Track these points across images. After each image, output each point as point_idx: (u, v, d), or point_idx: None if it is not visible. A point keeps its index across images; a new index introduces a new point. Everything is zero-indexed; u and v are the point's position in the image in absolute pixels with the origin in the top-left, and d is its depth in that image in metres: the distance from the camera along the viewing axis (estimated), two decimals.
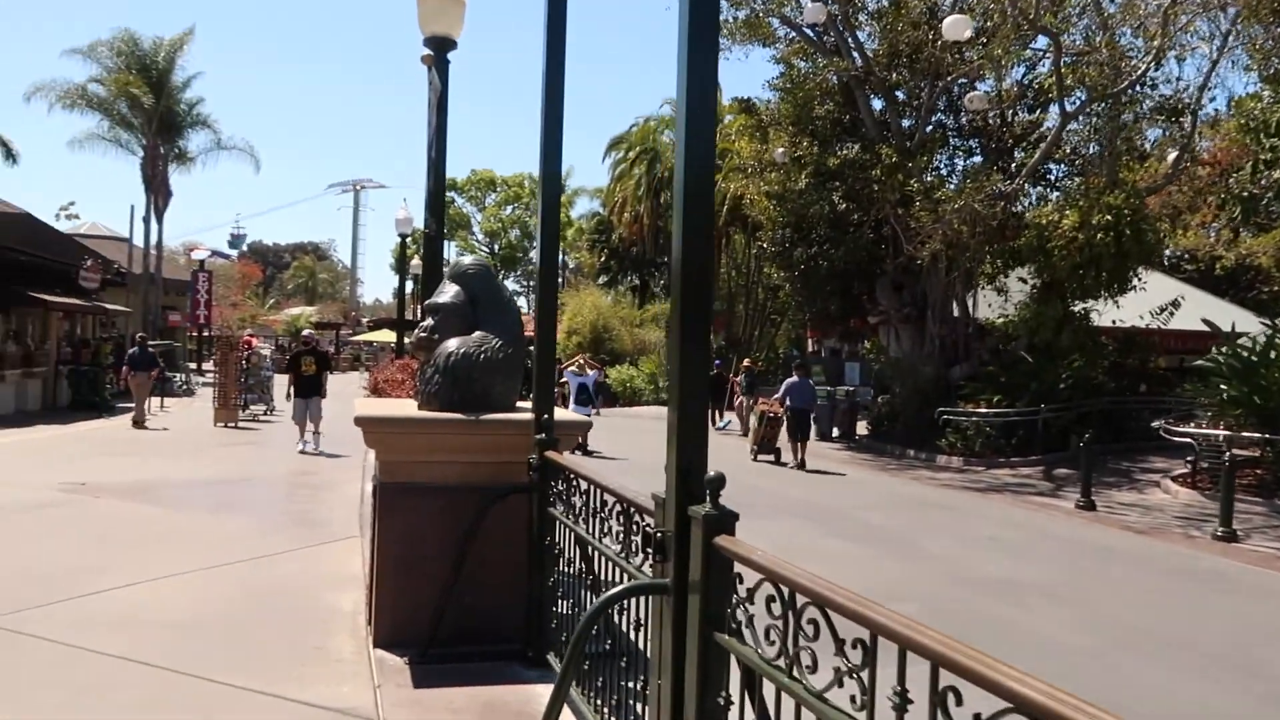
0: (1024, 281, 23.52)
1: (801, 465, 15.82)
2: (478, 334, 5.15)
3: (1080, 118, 18.60)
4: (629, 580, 3.34)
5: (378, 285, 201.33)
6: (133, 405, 20.13)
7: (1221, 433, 14.19)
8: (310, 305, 77.42)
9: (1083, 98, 19.04)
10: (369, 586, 5.43)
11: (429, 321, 5.25)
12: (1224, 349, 15.13)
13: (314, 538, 7.69)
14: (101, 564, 6.50)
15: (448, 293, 5.31)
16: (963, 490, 13.83)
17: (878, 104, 21.11)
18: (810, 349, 37.83)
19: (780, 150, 21.62)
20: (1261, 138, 17.49)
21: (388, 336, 35.42)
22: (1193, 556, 9.33)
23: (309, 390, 14.59)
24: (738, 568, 2.56)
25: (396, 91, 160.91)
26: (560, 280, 57.92)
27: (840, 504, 11.70)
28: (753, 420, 19.17)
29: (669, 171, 36.19)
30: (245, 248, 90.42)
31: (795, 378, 17.40)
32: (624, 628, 3.39)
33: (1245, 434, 13.99)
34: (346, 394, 34.66)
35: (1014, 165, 20.38)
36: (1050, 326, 19.88)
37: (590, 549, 3.93)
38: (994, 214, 17.14)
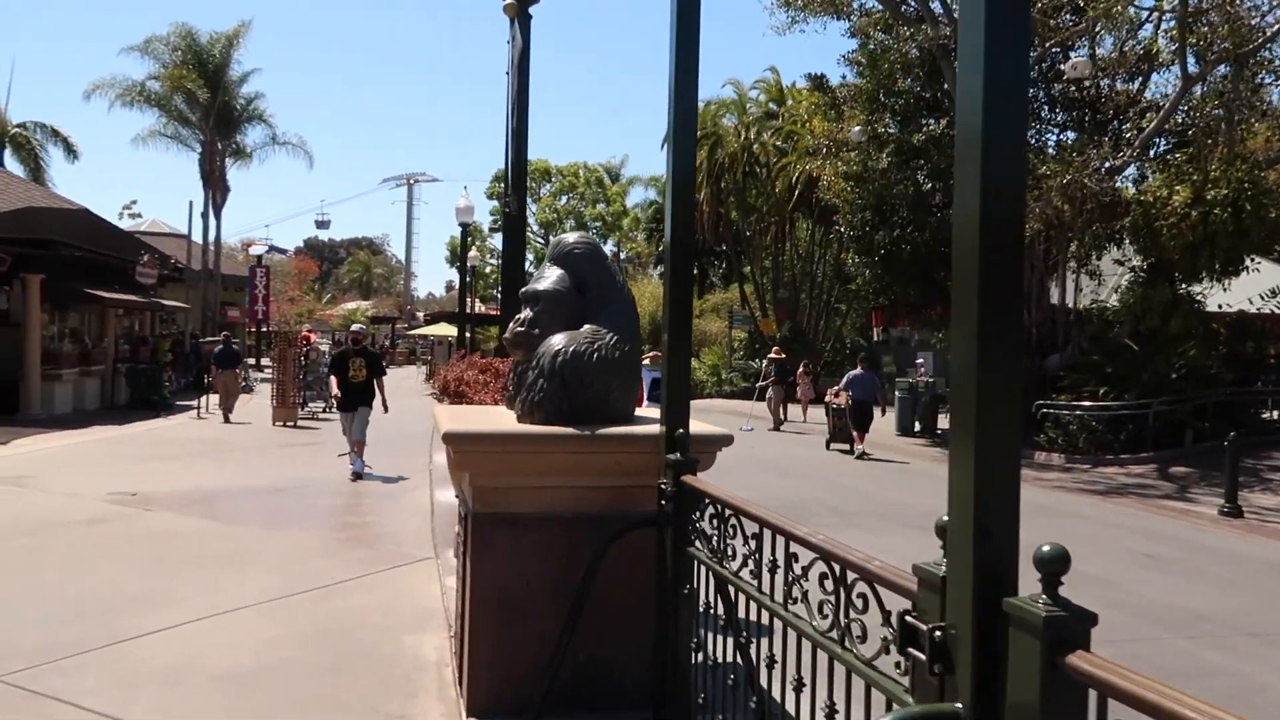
0: (1120, 264, 21.98)
1: (861, 455, 16.25)
2: (588, 328, 4.17)
3: (1201, 83, 17.01)
4: (847, 672, 2.34)
5: (432, 279, 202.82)
6: (193, 404, 19.68)
7: None
8: (365, 300, 77.61)
9: (1201, 61, 17.52)
10: (457, 635, 4.50)
11: (527, 313, 4.29)
12: None
13: (384, 559, 6.80)
14: (147, 595, 5.67)
15: (549, 278, 4.34)
16: (1079, 493, 12.58)
17: None
18: (876, 338, 36.48)
19: (857, 129, 20.38)
20: None
21: (445, 330, 34.81)
22: None
23: (356, 399, 11.42)
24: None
25: (451, 84, 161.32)
26: (620, 270, 57.17)
27: (932, 506, 10.52)
28: (783, 410, 22.17)
29: (730, 157, 35.01)
30: (302, 243, 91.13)
31: (859, 369, 17.64)
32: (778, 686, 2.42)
33: None
34: (404, 388, 34.16)
35: (1111, 139, 18.89)
36: (1158, 312, 18.41)
37: (762, 610, 2.93)
38: (1105, 190, 15.74)
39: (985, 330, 1.82)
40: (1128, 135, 18.14)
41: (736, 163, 34.35)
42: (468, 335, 21.03)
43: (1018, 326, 1.87)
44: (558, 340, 4.06)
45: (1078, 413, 16.91)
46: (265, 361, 33.10)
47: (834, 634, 2.44)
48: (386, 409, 11.64)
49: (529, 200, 54.54)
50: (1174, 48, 18.79)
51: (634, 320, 4.37)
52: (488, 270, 57.78)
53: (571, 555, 3.90)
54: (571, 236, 4.48)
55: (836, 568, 2.44)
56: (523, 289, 4.43)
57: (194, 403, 19.61)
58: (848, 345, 38.42)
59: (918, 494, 11.73)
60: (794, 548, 2.72)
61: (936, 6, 18.82)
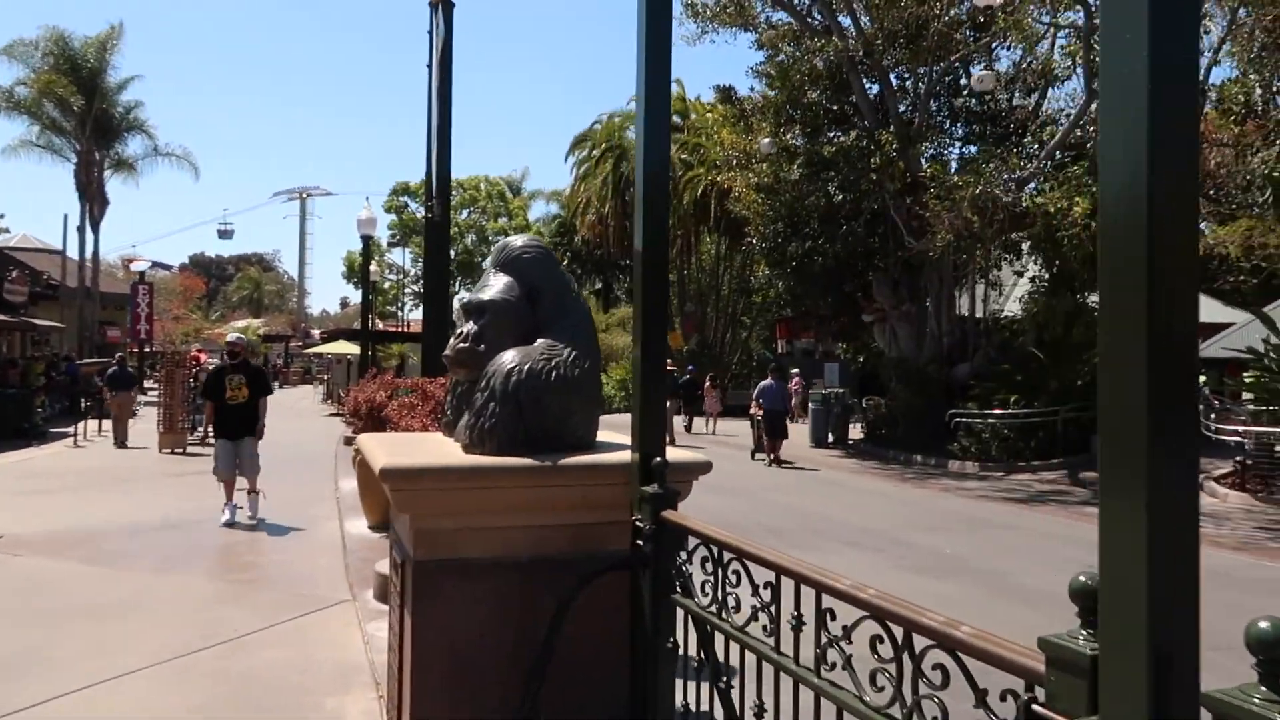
0: (1019, 274, 22.51)
1: (777, 463, 16.61)
2: (542, 342, 3.67)
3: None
4: None
5: (326, 296, 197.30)
6: (70, 432, 18.33)
7: (1276, 430, 13.14)
8: (257, 317, 74.73)
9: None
10: (391, 699, 3.91)
11: (470, 326, 3.76)
12: (1270, 343, 14.09)
13: (296, 603, 6.10)
14: (17, 659, 4.88)
15: (496, 286, 3.82)
16: (1002, 501, 12.57)
17: (872, 89, 19.91)
18: (781, 350, 36.74)
19: (766, 140, 20.35)
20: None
21: (344, 348, 33.47)
22: None
23: (238, 426, 9.40)
24: None
25: (345, 97, 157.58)
26: None
27: (883, 524, 10.35)
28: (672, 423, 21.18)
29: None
30: (188, 259, 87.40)
31: (769, 381, 17.86)
32: None
33: None
34: (301, 409, 32.73)
35: (1017, 151, 19.28)
36: (1061, 321, 18.83)
37: (779, 673, 2.47)
38: (1016, 200, 15.97)
39: (1160, 349, 1.40)
40: (1030, 148, 18.52)
41: None
42: (370, 353, 20.08)
43: (1193, 349, 1.45)
44: (509, 358, 3.54)
45: (990, 421, 17.09)
46: (149, 383, 31.21)
47: (896, 712, 1.99)
48: (262, 434, 9.63)
49: (429, 214, 53.26)
50: (1068, 64, 19.36)
51: (593, 334, 3.89)
52: (386, 286, 56.24)
53: (530, 605, 3.38)
54: (519, 239, 3.96)
55: (898, 631, 2.00)
56: (464, 299, 3.90)
57: (70, 430, 18.15)
58: (754, 358, 38.62)
59: (847, 508, 11.52)
60: (829, 601, 2.27)
61: (845, 20, 18.93)
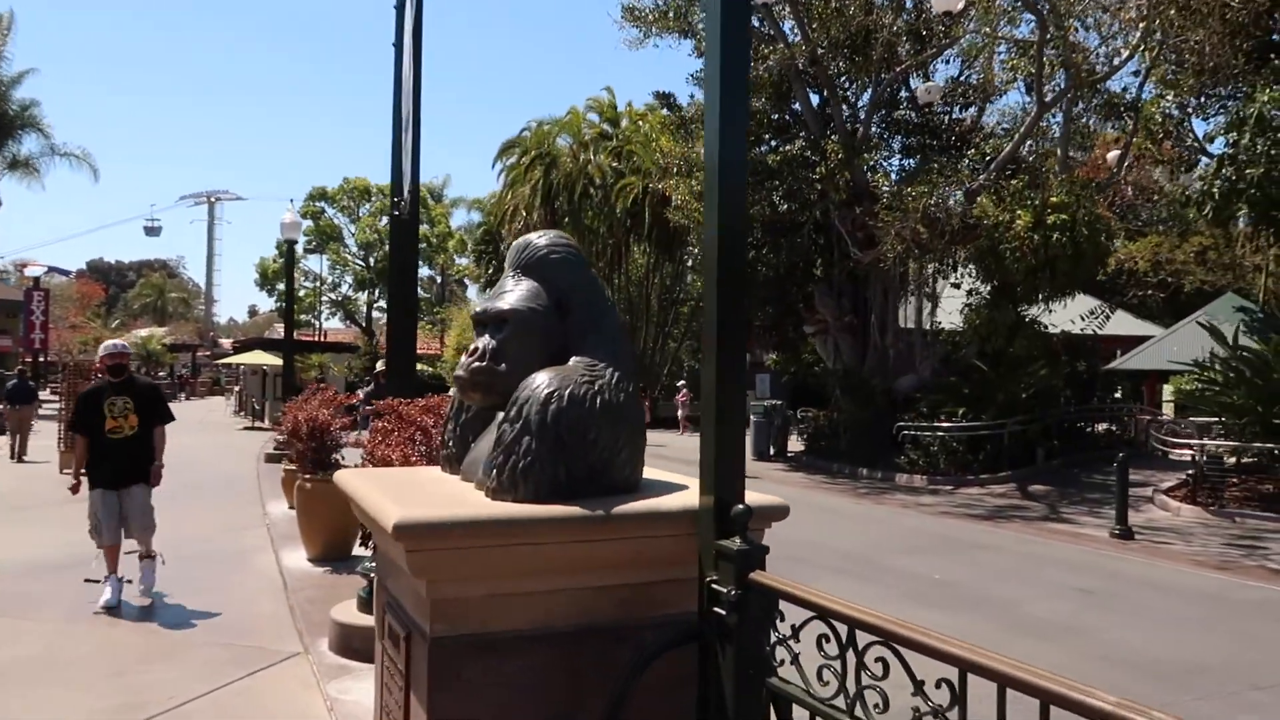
0: (956, 287, 22.56)
1: None
2: (578, 361, 3.02)
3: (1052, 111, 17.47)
4: None
5: (234, 304, 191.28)
6: None
7: (1229, 444, 13.16)
8: (161, 326, 71.44)
9: (1031, 93, 18.07)
10: None
11: (486, 341, 3.09)
12: (1217, 355, 14.15)
13: (240, 659, 5.27)
14: None
15: (518, 292, 3.15)
16: (966, 519, 12.27)
17: (815, 98, 19.66)
18: None
19: None
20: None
21: (260, 359, 31.91)
22: None
23: (125, 469, 6.80)
24: None
25: (255, 100, 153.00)
26: (444, 293, 54.87)
27: (858, 547, 9.90)
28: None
29: (566, 177, 34.06)
30: (85, 265, 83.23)
31: None
32: None
33: (1256, 445, 12.98)
34: (213, 423, 31.04)
35: (963, 163, 19.26)
36: (1003, 333, 18.82)
37: None
38: (968, 212, 15.83)
39: None
40: (971, 160, 18.49)
41: (574, 183, 33.43)
42: (292, 364, 18.94)
43: None
44: (544, 380, 2.87)
45: (938, 433, 16.89)
46: (44, 394, 29.14)
47: None
48: (158, 479, 7.03)
49: (345, 219, 51.64)
50: (1007, 77, 19.43)
51: (631, 351, 3.25)
52: (302, 294, 54.28)
53: (574, 687, 2.74)
54: (543, 238, 3.29)
55: None
56: (478, 308, 3.21)
57: None
58: (684, 369, 38.25)
59: (816, 530, 11.03)
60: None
61: (787, 27, 18.64)
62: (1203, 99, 21.55)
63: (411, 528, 2.51)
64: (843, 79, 19.26)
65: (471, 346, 3.11)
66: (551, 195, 34.95)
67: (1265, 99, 14.88)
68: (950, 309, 22.89)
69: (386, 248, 51.10)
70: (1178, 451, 14.21)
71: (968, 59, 19.75)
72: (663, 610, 2.87)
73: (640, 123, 33.66)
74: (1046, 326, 20.42)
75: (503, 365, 3.04)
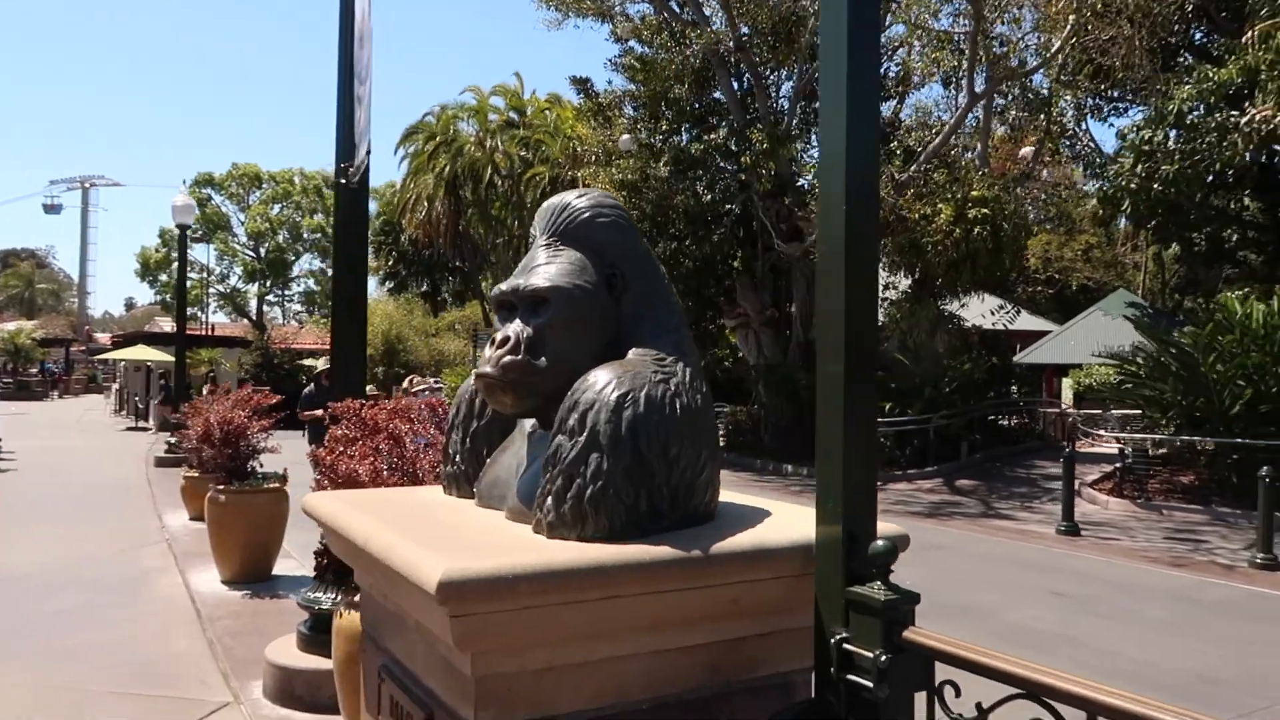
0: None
1: None
2: (640, 354, 2.35)
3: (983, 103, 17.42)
4: None
5: (109, 297, 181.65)
6: None
7: (1155, 436, 13.26)
8: (29, 319, 66.83)
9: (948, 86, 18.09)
10: None
11: (518, 328, 2.39)
12: (1141, 348, 14.27)
13: (161, 714, 4.40)
14: None
15: (557, 264, 2.45)
16: (906, 516, 12.00)
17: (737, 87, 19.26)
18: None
19: (627, 136, 19.34)
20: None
21: (144, 354, 29.82)
22: None
23: None
24: None
25: (131, 82, 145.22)
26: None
27: None
28: None
29: (472, 165, 32.95)
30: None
31: None
32: None
33: (1182, 438, 13.11)
34: (90, 422, 28.96)
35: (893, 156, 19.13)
36: (925, 327, 18.79)
37: None
38: (901, 203, 15.64)
39: None
40: (894, 153, 18.38)
41: (480, 172, 32.35)
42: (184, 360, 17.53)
43: None
44: (608, 379, 2.19)
45: None
46: None
47: None
48: None
49: (234, 207, 49.06)
50: (927, 70, 19.40)
51: (689, 336, 2.60)
52: (188, 285, 51.39)
53: None
54: (584, 197, 2.58)
55: None
56: (502, 286, 2.49)
57: None
58: None
59: None
60: None
61: (711, 11, 18.17)
62: (1098, 101, 22.08)
63: (464, 585, 1.80)
64: (766, 67, 18.91)
65: (498, 335, 2.39)
66: (457, 184, 33.79)
67: (1184, 95, 15.12)
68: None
69: (278, 238, 48.82)
70: (1094, 445, 14.30)
71: (887, 51, 19.63)
72: (759, 671, 2.25)
73: (548, 111, 32.83)
74: (963, 321, 20.56)
75: (542, 359, 2.35)
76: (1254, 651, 6.18)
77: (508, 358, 2.33)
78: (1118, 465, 13.77)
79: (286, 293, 52.78)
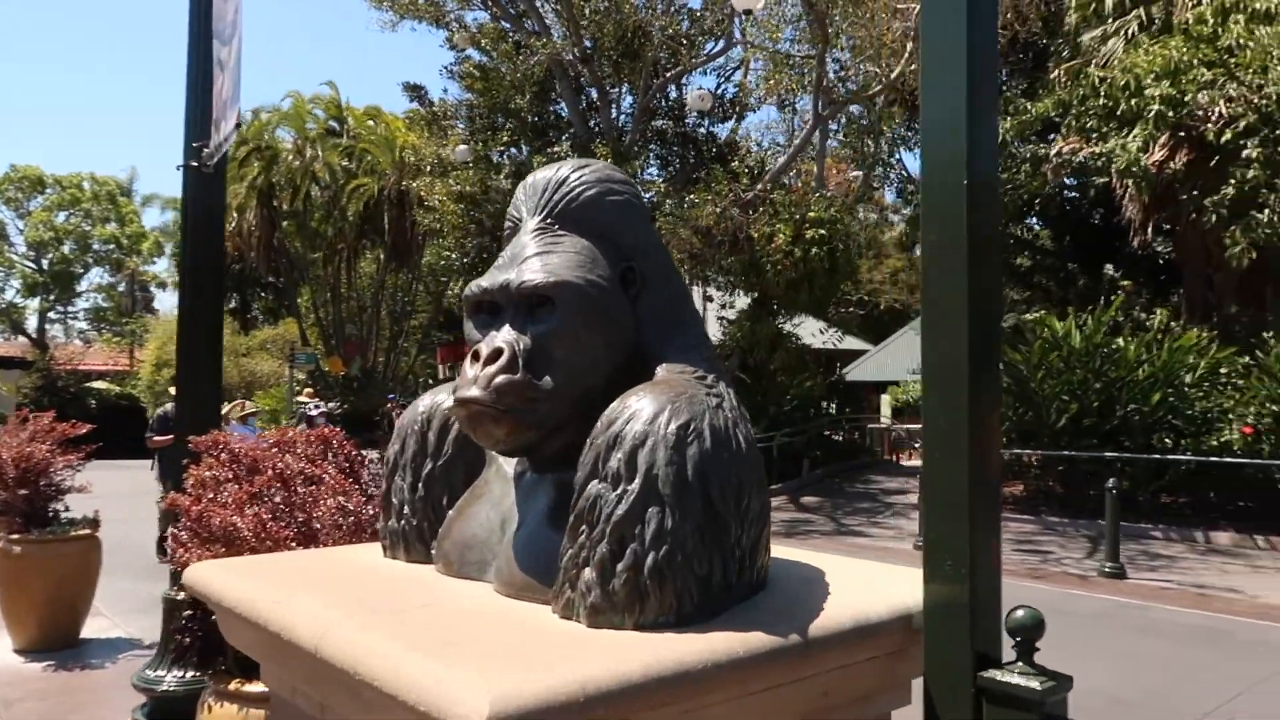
0: (710, 300, 22.71)
1: None
2: (678, 371, 1.81)
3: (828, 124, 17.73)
4: None
5: None
6: None
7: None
8: None
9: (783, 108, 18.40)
10: None
11: (511, 338, 1.78)
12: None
13: None
14: None
15: (560, 254, 1.87)
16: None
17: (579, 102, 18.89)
18: (442, 376, 34.81)
19: (462, 147, 18.57)
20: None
21: None
22: (1152, 609, 8.04)
23: None
24: None
25: None
26: (135, 302, 48.43)
27: None
28: None
29: (289, 175, 31.01)
30: None
31: None
32: None
33: (1017, 451, 13.67)
34: None
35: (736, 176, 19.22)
36: (765, 346, 18.96)
37: None
38: (744, 221, 15.65)
39: None
40: (736, 172, 18.50)
41: (298, 182, 30.47)
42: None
43: None
44: (654, 405, 1.63)
45: None
46: None
47: None
48: None
49: (11, 214, 44.14)
50: (764, 91, 19.72)
51: (711, 344, 2.07)
52: None
53: None
54: (584, 169, 2.00)
55: None
56: (481, 283, 1.87)
57: None
58: (418, 385, 36.14)
59: None
60: None
61: (552, 22, 17.75)
62: (909, 130, 23.17)
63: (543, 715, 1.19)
64: (607, 81, 18.64)
65: (483, 348, 1.78)
66: (272, 194, 31.68)
67: (1008, 125, 15.93)
68: (708, 320, 23.00)
69: (64, 249, 44.30)
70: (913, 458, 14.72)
71: (723, 72, 19.87)
72: None
73: (373, 121, 31.41)
74: (799, 340, 20.97)
75: (546, 379, 1.76)
76: (1150, 667, 6.23)
77: (502, 377, 1.73)
78: None
79: (71, 309, 48.01)
